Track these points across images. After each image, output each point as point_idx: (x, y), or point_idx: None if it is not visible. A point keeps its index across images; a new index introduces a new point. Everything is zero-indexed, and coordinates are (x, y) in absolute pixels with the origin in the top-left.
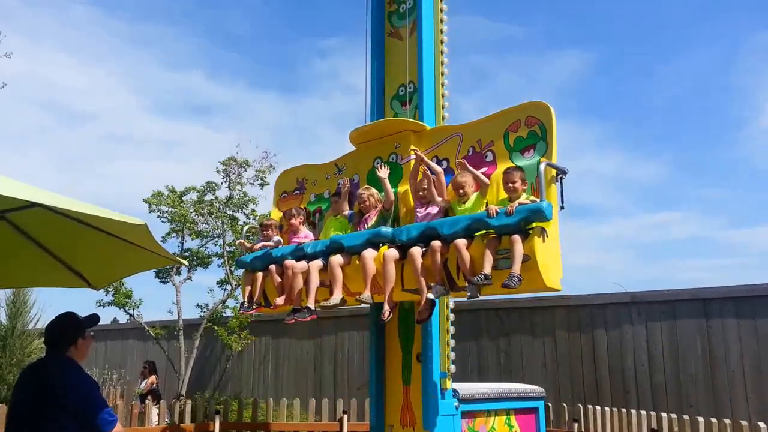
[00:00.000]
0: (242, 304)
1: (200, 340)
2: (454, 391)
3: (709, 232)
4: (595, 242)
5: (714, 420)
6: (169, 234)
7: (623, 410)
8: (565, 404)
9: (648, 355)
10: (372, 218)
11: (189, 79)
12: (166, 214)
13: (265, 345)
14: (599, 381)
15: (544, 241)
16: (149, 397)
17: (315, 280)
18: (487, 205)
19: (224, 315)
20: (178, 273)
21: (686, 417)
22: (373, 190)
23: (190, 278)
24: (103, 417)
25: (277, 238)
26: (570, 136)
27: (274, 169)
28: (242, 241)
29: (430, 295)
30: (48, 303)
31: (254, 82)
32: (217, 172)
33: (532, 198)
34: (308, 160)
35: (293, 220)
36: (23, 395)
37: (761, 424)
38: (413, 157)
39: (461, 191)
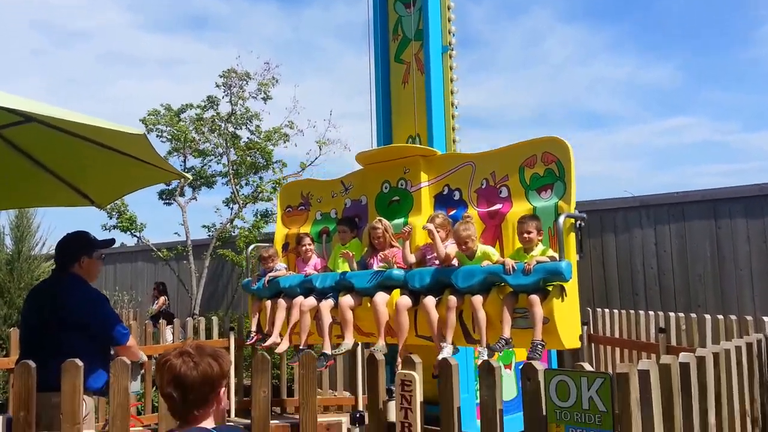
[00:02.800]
0: (249, 333)
1: (210, 259)
2: None
3: (722, 136)
4: (607, 151)
5: (720, 317)
6: (170, 153)
7: (631, 311)
8: None
9: (657, 257)
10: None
11: None
12: (164, 134)
13: None
14: (608, 285)
15: (563, 300)
16: (161, 318)
17: (327, 323)
18: (504, 259)
19: (232, 234)
20: (182, 194)
21: (693, 315)
22: (386, 224)
23: (195, 198)
24: (118, 330)
25: (282, 265)
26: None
27: (277, 81)
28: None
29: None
30: (53, 226)
31: None
32: (217, 86)
33: (551, 254)
34: (311, 74)
35: (307, 248)
36: (32, 319)
37: (765, 318)
38: (425, 184)
39: (464, 247)
